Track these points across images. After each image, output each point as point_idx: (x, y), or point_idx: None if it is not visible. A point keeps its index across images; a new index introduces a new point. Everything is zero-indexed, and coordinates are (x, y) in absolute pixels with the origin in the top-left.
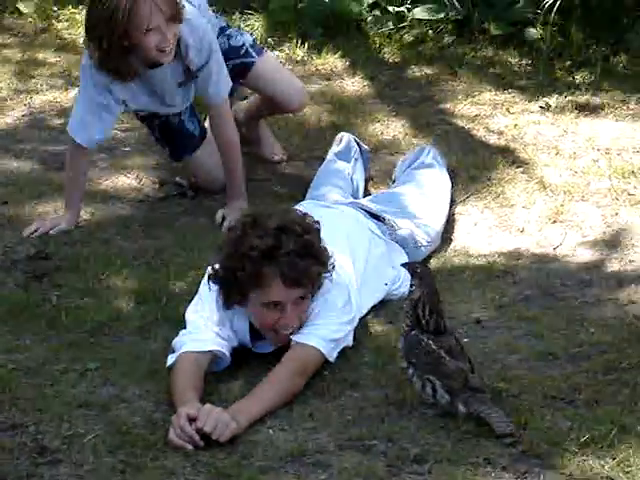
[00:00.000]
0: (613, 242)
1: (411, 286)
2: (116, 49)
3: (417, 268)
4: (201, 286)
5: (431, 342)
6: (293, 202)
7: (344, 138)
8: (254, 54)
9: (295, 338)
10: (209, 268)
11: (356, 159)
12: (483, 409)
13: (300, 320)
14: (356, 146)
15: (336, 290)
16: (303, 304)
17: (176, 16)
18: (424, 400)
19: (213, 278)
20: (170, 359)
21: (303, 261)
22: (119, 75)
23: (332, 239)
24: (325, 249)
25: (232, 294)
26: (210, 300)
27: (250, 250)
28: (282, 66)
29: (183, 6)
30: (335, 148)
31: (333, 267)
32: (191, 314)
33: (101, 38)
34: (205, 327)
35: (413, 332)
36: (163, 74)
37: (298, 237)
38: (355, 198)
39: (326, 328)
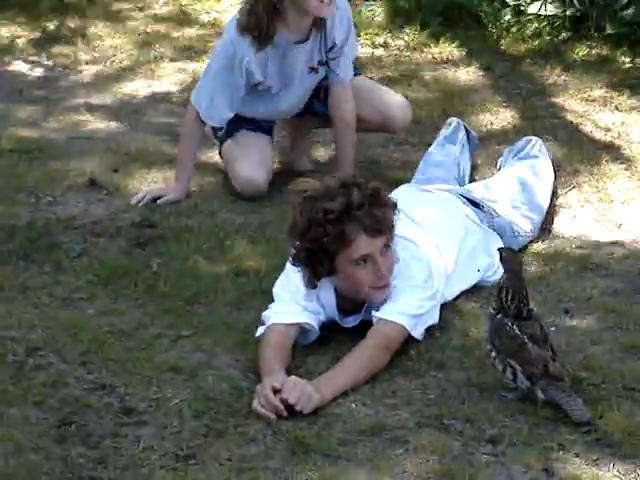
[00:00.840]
0: None
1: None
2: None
3: (504, 252)
4: (288, 262)
5: (515, 327)
6: (400, 184)
7: (453, 122)
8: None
9: (377, 314)
10: (290, 262)
11: (463, 144)
12: (561, 396)
13: (391, 272)
14: (464, 131)
15: (417, 265)
16: (389, 253)
17: None
18: (505, 384)
19: (296, 259)
20: (259, 330)
21: (378, 209)
22: (260, 36)
23: (425, 221)
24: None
25: (320, 265)
26: (297, 275)
27: (327, 214)
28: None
29: None
30: (444, 131)
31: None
32: (278, 289)
33: None
34: (292, 300)
35: (499, 316)
36: (301, 54)
37: (365, 188)
38: (460, 183)
39: (408, 303)
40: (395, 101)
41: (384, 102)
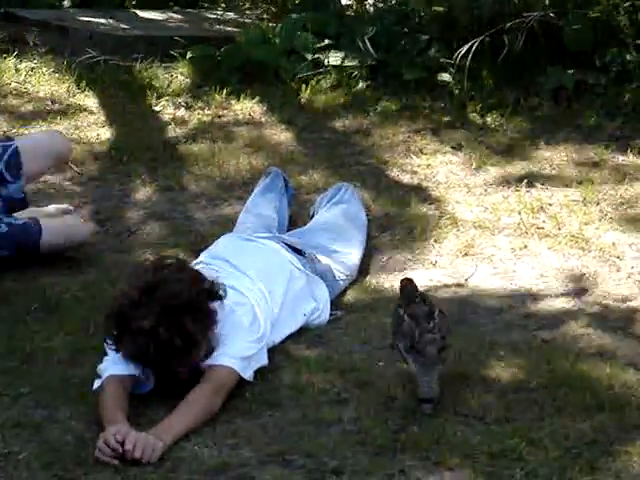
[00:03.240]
0: (522, 273)
1: None
2: None
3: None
4: None
5: (401, 309)
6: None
7: (272, 171)
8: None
9: (207, 362)
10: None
11: (282, 193)
12: (418, 370)
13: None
14: (282, 180)
15: (241, 310)
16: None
17: None
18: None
19: (114, 348)
20: (96, 383)
21: (174, 327)
22: None
23: (249, 269)
24: (209, 292)
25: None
26: None
27: (138, 330)
28: None
29: None
30: (263, 180)
31: (224, 294)
32: None
33: None
34: None
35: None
36: None
37: (162, 308)
38: (280, 231)
39: (235, 347)
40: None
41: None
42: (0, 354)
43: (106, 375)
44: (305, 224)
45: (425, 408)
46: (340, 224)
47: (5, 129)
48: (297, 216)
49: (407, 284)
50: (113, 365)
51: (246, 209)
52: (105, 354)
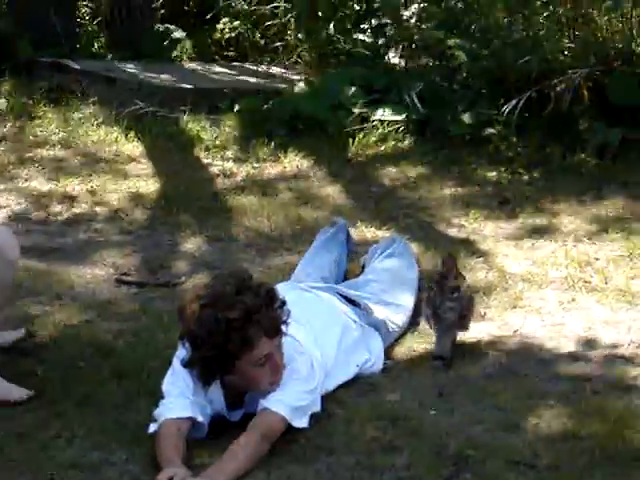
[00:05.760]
0: (570, 325)
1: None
2: None
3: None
4: (174, 360)
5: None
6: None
7: (339, 223)
8: None
9: (263, 402)
10: (177, 360)
11: (344, 247)
12: (438, 331)
13: (283, 364)
14: (346, 234)
15: (301, 359)
16: (280, 349)
17: None
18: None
19: (191, 364)
20: (152, 427)
21: (273, 310)
22: None
23: (304, 319)
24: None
25: (219, 368)
26: (183, 372)
27: (229, 323)
28: None
29: None
30: (328, 231)
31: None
32: (167, 385)
33: None
34: (181, 396)
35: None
36: None
37: (257, 292)
38: (336, 282)
39: (291, 395)
40: None
41: None
42: (55, 398)
43: (163, 419)
44: (356, 275)
45: (436, 364)
46: (393, 276)
47: (53, 180)
48: (348, 266)
49: (450, 262)
50: (170, 409)
51: (306, 258)
52: (162, 398)
